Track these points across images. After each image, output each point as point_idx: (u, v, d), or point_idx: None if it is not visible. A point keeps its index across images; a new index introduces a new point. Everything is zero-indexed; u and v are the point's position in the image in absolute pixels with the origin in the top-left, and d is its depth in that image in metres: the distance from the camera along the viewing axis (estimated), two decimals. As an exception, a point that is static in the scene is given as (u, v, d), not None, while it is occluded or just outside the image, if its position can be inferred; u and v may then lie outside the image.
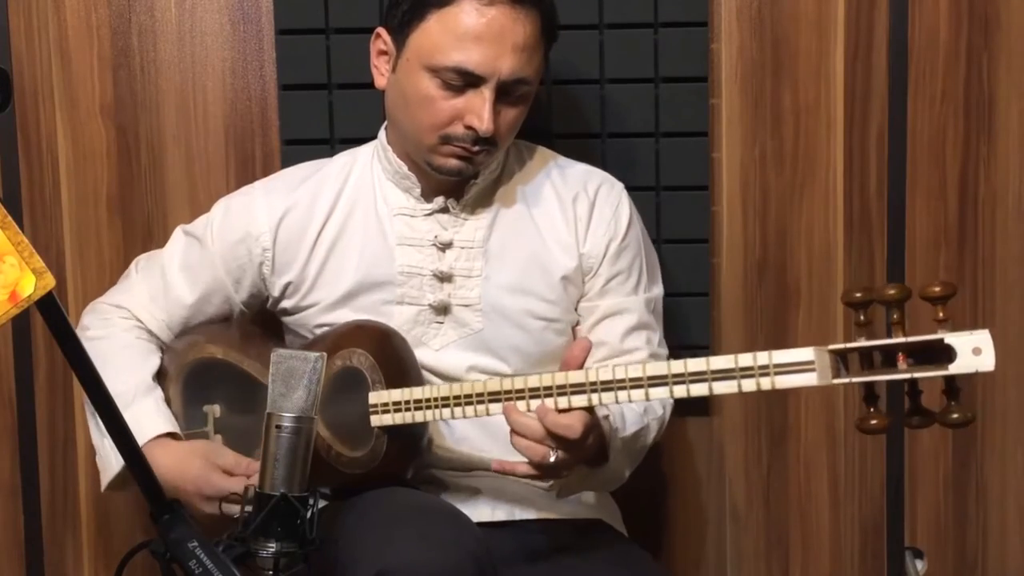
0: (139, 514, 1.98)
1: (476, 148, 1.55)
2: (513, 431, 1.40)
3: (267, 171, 1.92)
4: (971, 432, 2.00)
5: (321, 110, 1.90)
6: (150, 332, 1.68)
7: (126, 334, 1.67)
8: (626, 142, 1.91)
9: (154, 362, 1.64)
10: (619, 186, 1.71)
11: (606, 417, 1.49)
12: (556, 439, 1.38)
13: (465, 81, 1.52)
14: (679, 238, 1.93)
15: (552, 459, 1.38)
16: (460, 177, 1.60)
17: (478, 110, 1.52)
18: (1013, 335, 1.97)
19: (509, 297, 1.63)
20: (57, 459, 2.00)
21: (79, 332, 1.67)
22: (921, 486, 2.02)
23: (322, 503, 1.31)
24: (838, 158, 1.95)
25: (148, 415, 1.56)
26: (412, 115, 1.56)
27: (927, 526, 2.02)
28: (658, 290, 1.73)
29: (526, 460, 1.41)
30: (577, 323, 1.68)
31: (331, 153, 1.81)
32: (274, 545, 1.21)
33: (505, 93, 1.54)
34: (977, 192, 1.96)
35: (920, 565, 2.02)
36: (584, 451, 1.43)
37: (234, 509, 1.45)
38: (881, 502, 2.02)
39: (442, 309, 1.62)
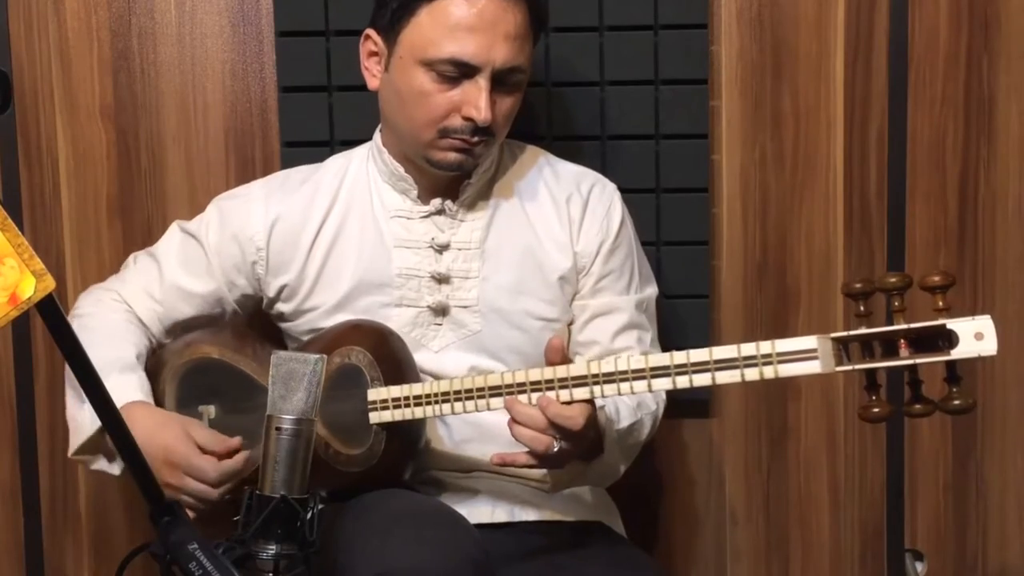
0: (139, 516, 1.98)
1: (475, 139, 1.55)
2: (515, 421, 1.40)
3: (267, 173, 1.91)
4: (971, 434, 2.01)
5: (321, 112, 1.90)
6: (140, 320, 1.67)
7: (114, 315, 1.66)
8: (626, 144, 1.91)
9: (140, 345, 1.63)
10: (611, 187, 1.71)
11: (602, 408, 1.49)
12: (558, 430, 1.38)
13: (460, 72, 1.52)
14: (679, 240, 1.93)
15: (556, 449, 1.39)
16: (460, 171, 1.60)
17: (475, 100, 1.52)
18: (1013, 336, 1.97)
19: (507, 297, 1.63)
20: (57, 461, 2.00)
21: (71, 313, 1.68)
22: (921, 488, 2.02)
23: (321, 506, 1.31)
24: (838, 160, 1.95)
25: (130, 386, 1.54)
26: (408, 112, 1.56)
27: (927, 528, 2.02)
28: (651, 291, 1.72)
29: (526, 450, 1.41)
30: (572, 322, 1.68)
31: (331, 155, 1.81)
32: (274, 547, 1.21)
33: (499, 82, 1.54)
34: (977, 194, 1.96)
35: (920, 567, 2.02)
36: (583, 444, 1.43)
37: (195, 487, 1.46)
38: (881, 504, 2.02)
39: (440, 311, 1.62)
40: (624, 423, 1.54)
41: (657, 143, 1.91)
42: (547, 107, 1.90)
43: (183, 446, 1.48)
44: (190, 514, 1.48)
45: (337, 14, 1.88)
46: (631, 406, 1.57)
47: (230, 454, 1.48)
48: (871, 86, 1.94)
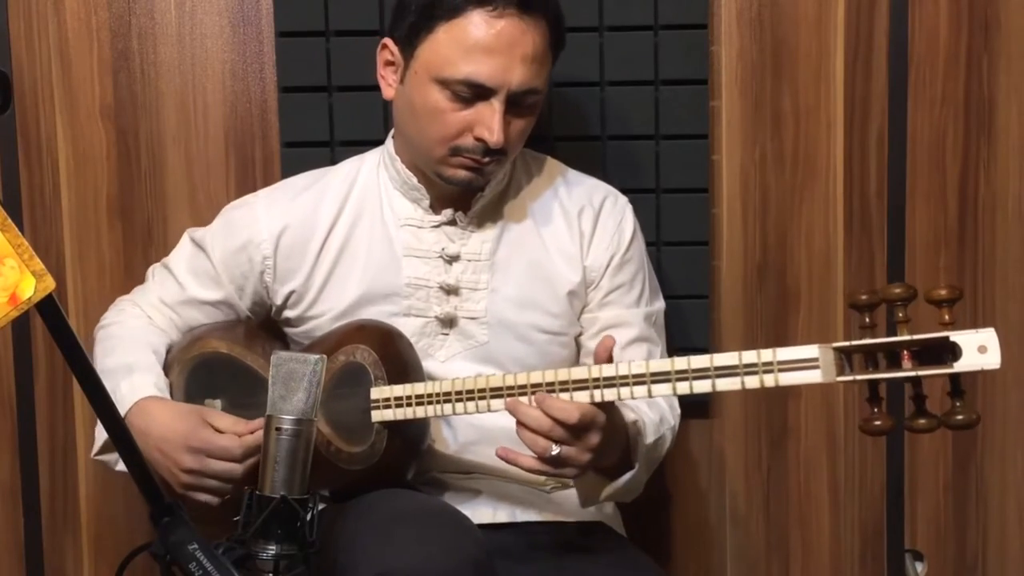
0: (139, 517, 1.98)
1: (486, 159, 1.55)
2: (519, 423, 1.39)
3: (267, 174, 1.93)
4: (971, 435, 2.00)
5: (321, 113, 1.90)
6: (159, 327, 1.69)
7: (135, 321, 1.69)
8: (626, 145, 1.91)
9: (158, 348, 1.64)
10: (623, 200, 1.71)
11: (634, 422, 1.49)
12: (557, 425, 1.36)
13: (475, 93, 1.51)
14: (679, 241, 1.93)
15: (554, 452, 1.37)
16: (470, 188, 1.60)
17: (488, 122, 1.51)
18: (1013, 338, 1.96)
19: (515, 310, 1.63)
20: (57, 461, 2.00)
21: (98, 324, 1.71)
22: (921, 489, 2.02)
23: (322, 506, 1.31)
24: (838, 161, 1.95)
25: (146, 384, 1.56)
26: (421, 127, 1.56)
27: (927, 529, 2.02)
28: (659, 304, 1.72)
29: (531, 454, 1.40)
30: (580, 334, 1.68)
31: (331, 155, 1.81)
32: (274, 547, 1.21)
33: (515, 104, 1.53)
34: (977, 195, 1.96)
35: (920, 568, 2.02)
36: (591, 449, 1.40)
37: (220, 467, 1.45)
38: (881, 505, 2.02)
39: (448, 321, 1.62)
40: (650, 439, 1.54)
41: (657, 143, 1.91)
42: (547, 107, 1.90)
43: (203, 430, 1.48)
44: (212, 500, 1.48)
45: (337, 14, 1.88)
46: (655, 421, 1.57)
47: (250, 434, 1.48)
48: (871, 86, 1.94)
